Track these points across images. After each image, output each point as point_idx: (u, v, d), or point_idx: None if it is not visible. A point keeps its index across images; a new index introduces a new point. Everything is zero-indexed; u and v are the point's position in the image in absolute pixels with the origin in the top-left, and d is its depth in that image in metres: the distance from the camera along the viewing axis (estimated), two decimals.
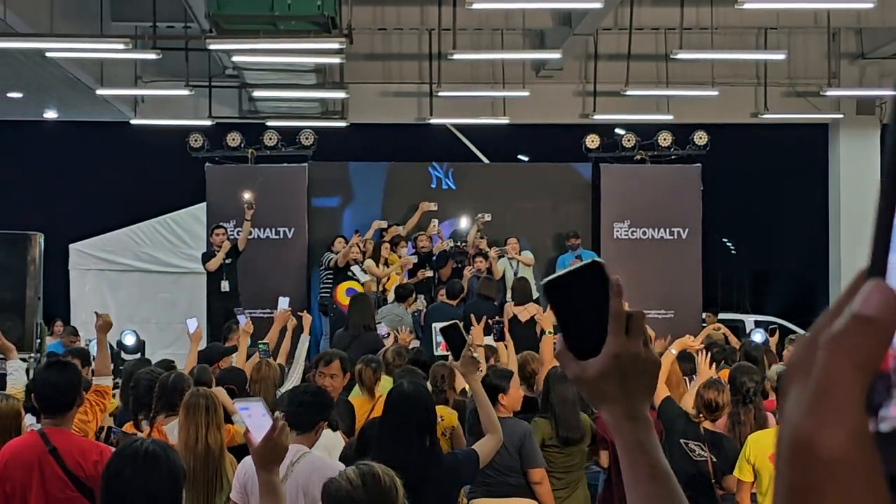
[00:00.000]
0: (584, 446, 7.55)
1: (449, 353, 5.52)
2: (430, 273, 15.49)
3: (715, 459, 6.99)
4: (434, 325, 11.23)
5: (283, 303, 10.42)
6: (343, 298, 14.52)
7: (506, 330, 9.36)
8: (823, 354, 0.77)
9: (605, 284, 1.38)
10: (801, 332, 16.34)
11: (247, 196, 15.37)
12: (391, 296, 14.52)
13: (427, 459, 4.97)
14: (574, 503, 7.45)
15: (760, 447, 6.67)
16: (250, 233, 15.46)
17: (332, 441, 6.12)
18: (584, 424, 7.47)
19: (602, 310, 1.38)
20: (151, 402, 6.47)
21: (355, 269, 14.84)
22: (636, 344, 1.40)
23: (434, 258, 15.80)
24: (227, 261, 15.08)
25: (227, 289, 15.03)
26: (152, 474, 3.64)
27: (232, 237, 15.36)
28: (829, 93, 17.82)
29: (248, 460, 5.44)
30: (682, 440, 7.03)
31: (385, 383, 8.42)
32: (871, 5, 13.55)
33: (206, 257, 15.19)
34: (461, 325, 5.53)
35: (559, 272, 1.42)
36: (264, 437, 3.35)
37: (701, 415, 7.07)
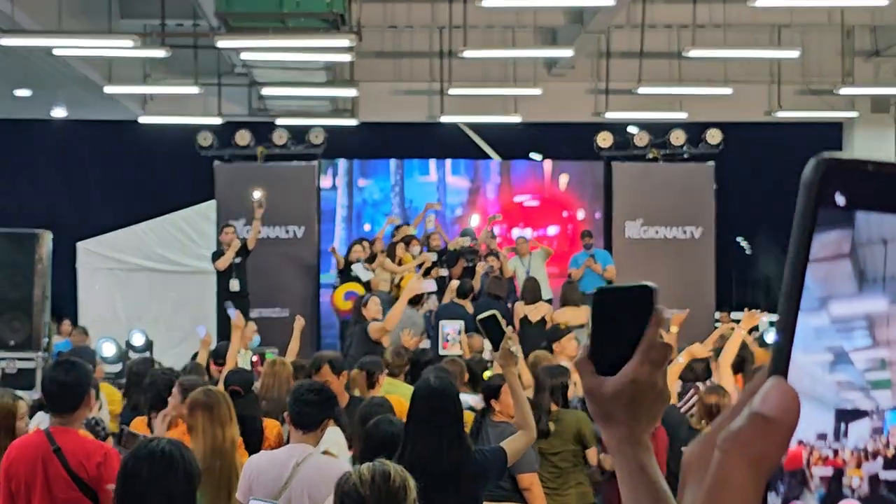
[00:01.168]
0: (573, 445, 7.48)
1: (462, 352, 5.50)
2: (444, 272, 15.42)
3: None
4: (442, 323, 11.13)
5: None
6: (341, 303, 14.40)
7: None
8: (719, 453, 0.78)
9: (649, 309, 1.39)
10: None
11: (257, 195, 15.30)
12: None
13: (456, 453, 4.98)
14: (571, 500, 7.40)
15: None
16: (260, 231, 15.39)
17: (334, 436, 6.04)
18: (582, 424, 7.39)
19: (637, 332, 1.39)
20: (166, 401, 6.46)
21: (356, 266, 14.72)
22: (656, 374, 1.40)
23: (445, 257, 15.74)
24: (237, 259, 15.01)
25: (237, 288, 14.97)
26: (169, 475, 3.66)
27: (241, 236, 15.29)
28: (843, 91, 17.69)
29: (254, 458, 5.37)
30: (683, 448, 6.93)
31: (387, 386, 8.37)
32: (885, 3, 13.44)
33: (216, 256, 15.12)
34: (500, 316, 5.51)
35: (614, 284, 1.41)
36: None
37: (703, 422, 7.04)
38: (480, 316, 5.50)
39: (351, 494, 3.52)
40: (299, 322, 10.04)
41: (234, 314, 9.72)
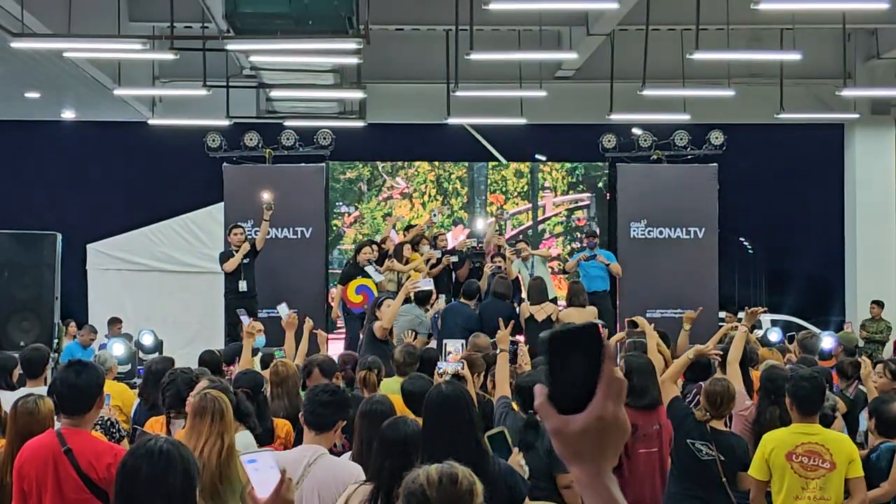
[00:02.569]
0: None
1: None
2: (454, 258, 15.51)
3: (724, 458, 7.02)
4: (446, 342, 11.03)
5: (284, 309, 10.37)
6: (353, 296, 14.50)
7: (520, 349, 9.23)
8: None
9: (599, 346, 1.46)
10: (815, 330, 16.32)
11: (266, 196, 15.37)
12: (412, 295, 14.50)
13: (475, 461, 4.82)
14: None
15: (776, 445, 6.68)
16: (268, 232, 15.48)
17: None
18: None
19: (591, 369, 1.44)
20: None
21: (369, 269, 14.84)
22: (618, 408, 1.46)
23: (454, 256, 15.84)
24: (245, 260, 15.09)
25: (245, 288, 15.05)
26: (168, 473, 3.61)
27: (250, 237, 15.39)
28: (844, 93, 17.80)
29: None
30: (688, 440, 7.07)
31: (392, 383, 8.44)
32: (886, 6, 13.57)
33: (224, 257, 15.20)
34: (507, 434, 5.45)
35: (562, 327, 1.49)
36: (273, 493, 3.25)
37: (707, 413, 7.12)
38: (489, 433, 5.39)
39: (417, 495, 3.46)
40: (308, 323, 10.10)
41: (246, 320, 9.83)
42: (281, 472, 3.29)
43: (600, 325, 1.50)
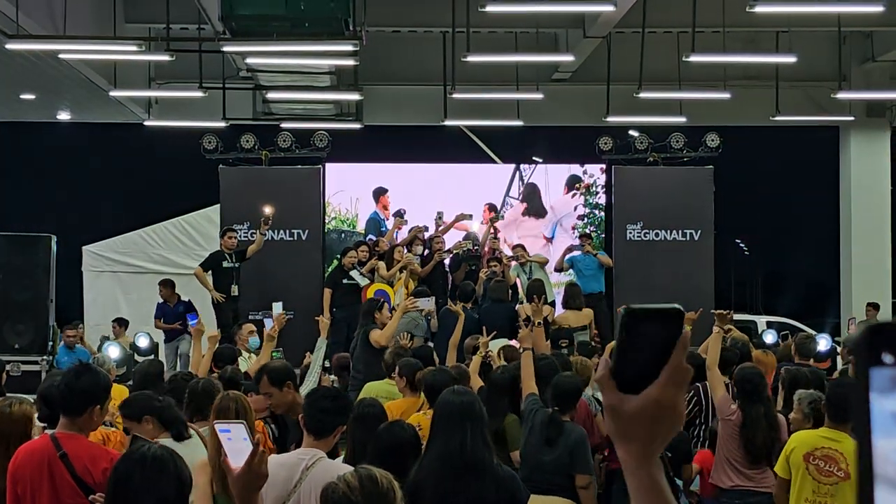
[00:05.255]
0: None
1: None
2: (446, 254, 15.50)
3: (670, 455, 7.34)
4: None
5: (278, 308, 10.31)
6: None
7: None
8: None
9: (677, 332, 1.43)
10: (811, 332, 16.32)
11: (267, 210, 15.40)
12: (398, 298, 14.48)
13: (481, 454, 5.00)
14: None
15: (798, 444, 6.71)
16: (261, 246, 15.48)
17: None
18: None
19: (661, 353, 1.42)
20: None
21: (354, 273, 14.81)
22: (678, 397, 1.45)
23: (449, 262, 15.82)
24: (236, 264, 15.15)
25: (237, 293, 15.12)
26: (160, 480, 3.60)
27: (241, 240, 15.47)
28: (839, 95, 17.83)
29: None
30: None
31: (387, 386, 8.48)
32: (880, 9, 13.61)
33: (207, 264, 15.26)
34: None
35: (645, 305, 1.45)
36: (245, 464, 3.20)
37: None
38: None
39: (339, 501, 3.49)
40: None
41: (269, 323, 9.69)
42: (254, 445, 3.23)
43: (682, 311, 1.44)
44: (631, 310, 1.43)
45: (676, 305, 1.44)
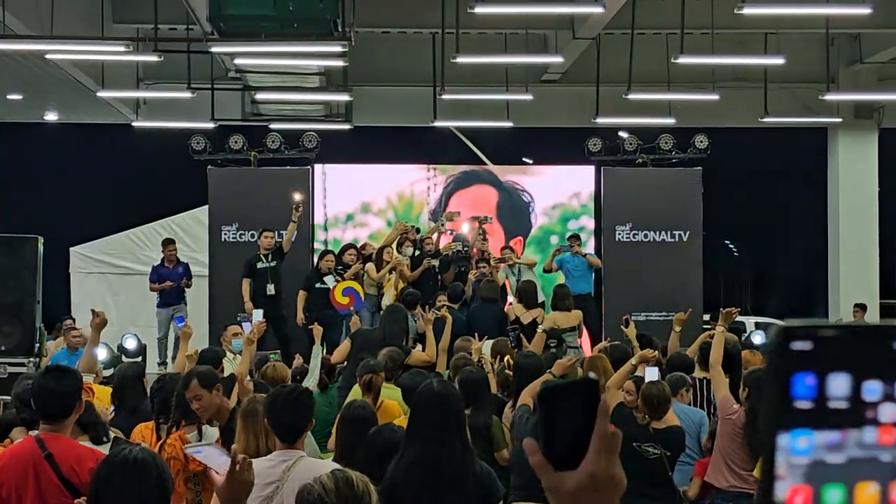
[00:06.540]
0: None
1: None
2: (435, 262, 15.45)
3: (669, 453, 7.35)
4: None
5: (258, 315, 10.28)
6: (340, 298, 14.41)
7: (522, 336, 9.54)
8: None
9: (594, 401, 1.45)
10: None
11: (297, 197, 15.45)
12: (387, 299, 14.45)
13: (460, 462, 4.90)
14: None
15: None
16: (295, 233, 15.48)
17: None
18: None
19: (586, 422, 1.45)
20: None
21: (328, 278, 14.74)
22: (612, 464, 1.46)
23: (438, 261, 15.78)
24: (273, 263, 15.07)
25: (273, 292, 14.99)
26: (142, 482, 3.58)
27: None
28: (827, 97, 17.88)
29: None
30: (634, 444, 7.23)
31: (384, 390, 8.44)
32: (868, 11, 13.67)
33: (245, 272, 15.14)
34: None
35: (554, 382, 1.49)
36: (227, 474, 3.21)
37: (647, 416, 7.34)
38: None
39: (314, 503, 3.49)
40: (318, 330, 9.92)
41: (248, 328, 9.63)
42: (232, 455, 3.24)
43: (594, 380, 1.49)
44: (546, 389, 1.46)
45: (589, 375, 1.48)
